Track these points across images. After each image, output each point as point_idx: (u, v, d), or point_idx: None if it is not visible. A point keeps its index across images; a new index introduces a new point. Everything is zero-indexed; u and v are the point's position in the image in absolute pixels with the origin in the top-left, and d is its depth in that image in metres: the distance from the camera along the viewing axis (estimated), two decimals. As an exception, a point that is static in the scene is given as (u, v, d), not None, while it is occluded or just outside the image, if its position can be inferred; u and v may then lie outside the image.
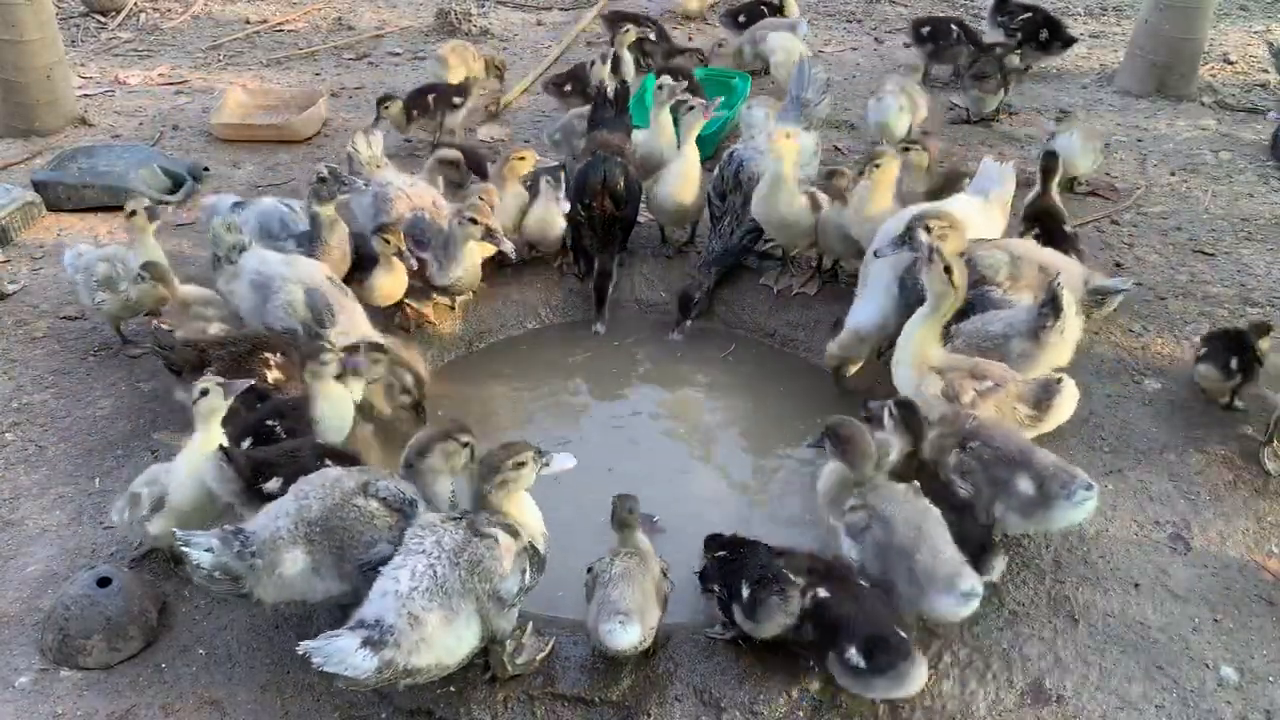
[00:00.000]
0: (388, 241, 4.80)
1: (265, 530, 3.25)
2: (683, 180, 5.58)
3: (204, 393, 3.63)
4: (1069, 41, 8.36)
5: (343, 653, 2.87)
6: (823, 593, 3.25)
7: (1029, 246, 4.80)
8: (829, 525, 3.66)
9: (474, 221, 4.88)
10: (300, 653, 2.86)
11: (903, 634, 3.15)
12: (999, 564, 3.50)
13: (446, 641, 3.03)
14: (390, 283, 4.93)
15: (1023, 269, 4.59)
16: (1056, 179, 5.50)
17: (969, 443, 3.69)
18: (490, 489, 3.22)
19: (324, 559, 3.26)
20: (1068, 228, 5.38)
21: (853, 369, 4.91)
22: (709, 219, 5.73)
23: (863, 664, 3.09)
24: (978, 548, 3.43)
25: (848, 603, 3.21)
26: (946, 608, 3.23)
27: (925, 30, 8.14)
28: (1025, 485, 3.58)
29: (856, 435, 3.52)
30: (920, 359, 4.04)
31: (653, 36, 8.12)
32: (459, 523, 3.17)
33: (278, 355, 4.22)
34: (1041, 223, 5.36)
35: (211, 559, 3.15)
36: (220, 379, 3.69)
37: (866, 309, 4.74)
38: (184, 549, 3.13)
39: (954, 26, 8.07)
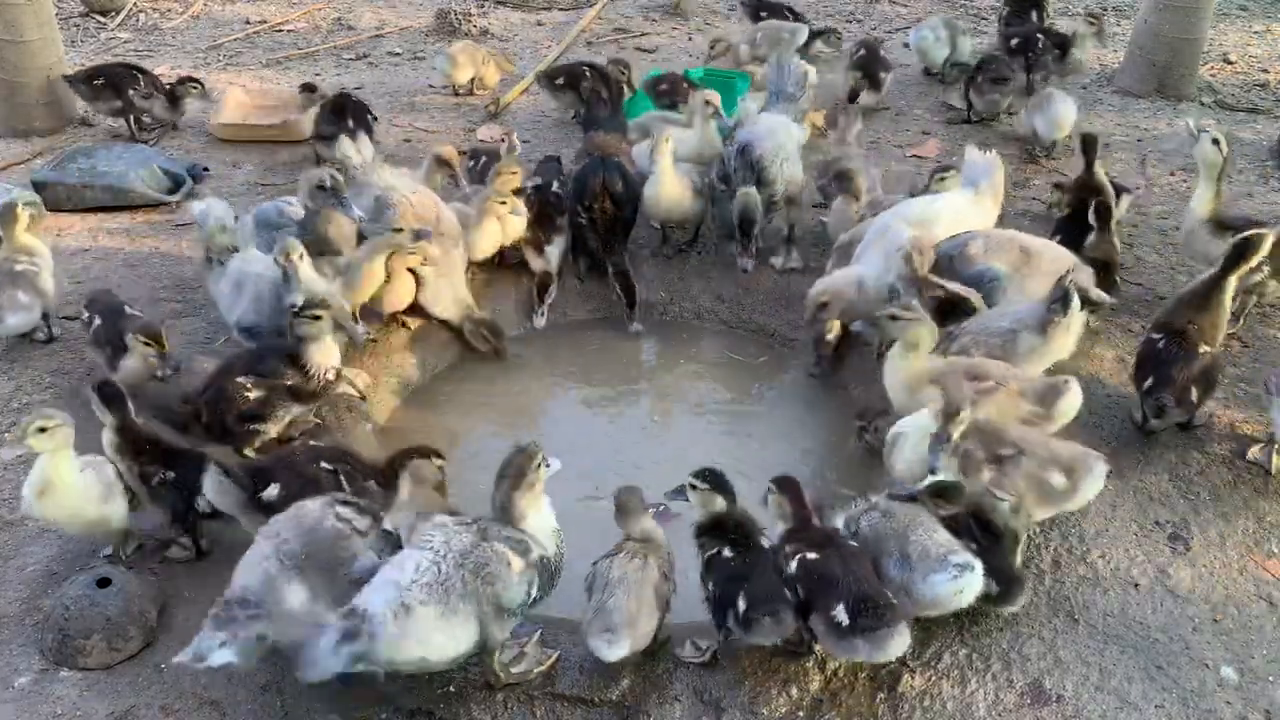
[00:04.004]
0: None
1: (257, 580, 3.18)
2: (658, 190, 5.57)
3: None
4: None
5: (316, 653, 2.89)
6: (811, 555, 3.27)
7: (1010, 232, 4.86)
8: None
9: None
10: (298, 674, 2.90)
11: (891, 598, 3.17)
12: (1023, 598, 3.53)
13: (438, 639, 3.02)
14: (400, 290, 4.93)
15: (997, 243, 4.66)
16: (1097, 156, 5.48)
17: (999, 451, 3.70)
18: (518, 493, 3.21)
19: (318, 582, 3.21)
20: (1111, 204, 5.41)
21: (834, 330, 4.95)
22: (714, 199, 5.73)
23: (847, 622, 3.10)
24: (1005, 580, 3.46)
25: (836, 564, 3.23)
26: (941, 585, 3.22)
27: (1015, 42, 7.81)
28: (1058, 479, 3.68)
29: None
30: (912, 380, 4.10)
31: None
32: (471, 527, 3.17)
33: (250, 377, 4.13)
34: (1083, 200, 5.40)
35: (232, 649, 3.07)
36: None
37: (869, 269, 4.77)
38: (203, 664, 3.05)
39: (1039, 35, 7.81)
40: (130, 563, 3.78)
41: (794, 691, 3.32)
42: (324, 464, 3.71)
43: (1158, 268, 5.77)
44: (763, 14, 8.55)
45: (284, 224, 5.07)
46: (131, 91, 6.93)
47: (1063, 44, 7.71)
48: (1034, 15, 8.54)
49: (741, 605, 3.21)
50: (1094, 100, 8.09)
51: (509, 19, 9.98)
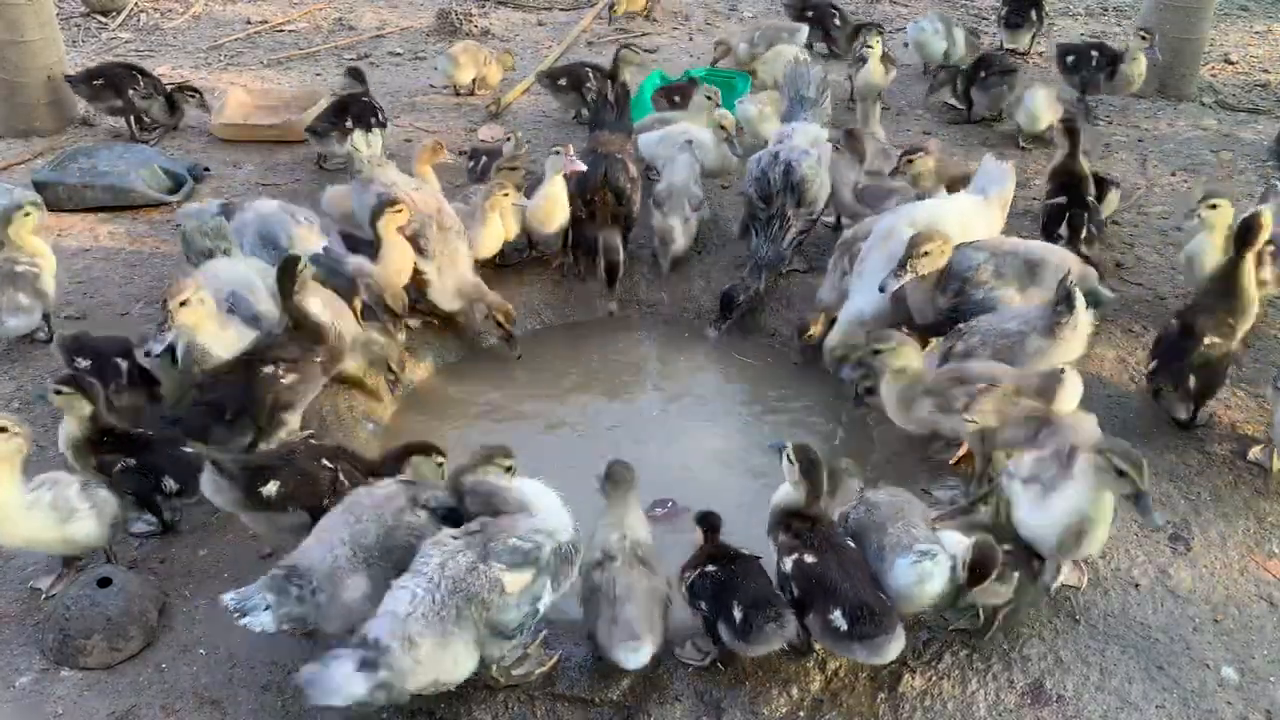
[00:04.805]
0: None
1: (325, 564, 3.18)
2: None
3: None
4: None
5: (334, 679, 2.86)
6: (809, 558, 3.26)
7: (1014, 241, 4.83)
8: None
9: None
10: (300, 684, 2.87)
11: (888, 603, 3.18)
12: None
13: (443, 664, 3.00)
14: (399, 259, 4.92)
15: (1008, 264, 4.63)
16: (1082, 142, 5.54)
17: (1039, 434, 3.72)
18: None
19: (381, 580, 3.19)
20: (1090, 197, 5.44)
21: (819, 327, 5.06)
22: (749, 220, 5.60)
23: (845, 628, 3.12)
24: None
25: (834, 569, 3.22)
26: (902, 570, 3.22)
27: (1070, 59, 7.67)
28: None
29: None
30: (906, 397, 4.12)
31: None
32: (475, 540, 3.11)
33: (280, 365, 4.10)
34: (1065, 184, 5.43)
35: (272, 617, 3.07)
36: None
37: (867, 295, 4.76)
38: (241, 619, 3.05)
39: (1094, 52, 7.64)
40: (130, 563, 3.78)
41: (794, 691, 3.32)
42: (324, 461, 3.69)
43: (1158, 268, 5.77)
44: (808, 12, 8.56)
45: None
46: (131, 91, 6.94)
47: (1114, 60, 7.55)
48: (1033, 14, 8.58)
49: (738, 616, 3.18)
50: (1094, 100, 8.08)
51: (510, 19, 9.99)
